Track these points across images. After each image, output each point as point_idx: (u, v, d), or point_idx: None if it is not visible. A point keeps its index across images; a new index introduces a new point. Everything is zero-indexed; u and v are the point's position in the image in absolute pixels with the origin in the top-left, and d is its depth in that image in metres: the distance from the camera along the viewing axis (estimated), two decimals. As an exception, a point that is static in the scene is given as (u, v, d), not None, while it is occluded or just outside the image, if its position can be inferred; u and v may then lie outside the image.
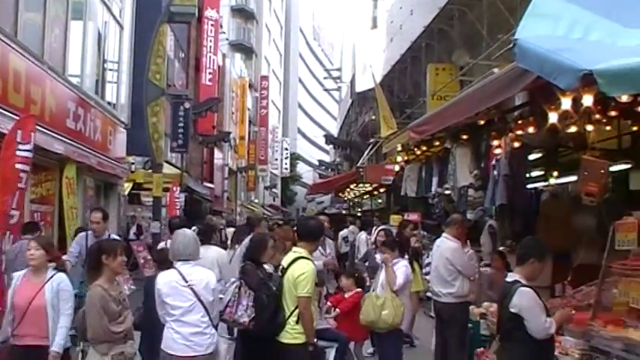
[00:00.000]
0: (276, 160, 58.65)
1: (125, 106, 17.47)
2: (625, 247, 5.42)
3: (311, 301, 5.54)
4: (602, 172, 6.86)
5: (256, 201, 49.96)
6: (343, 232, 17.52)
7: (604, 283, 5.65)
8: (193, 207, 24.52)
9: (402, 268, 7.53)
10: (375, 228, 13.09)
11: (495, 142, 8.52)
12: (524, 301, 4.71)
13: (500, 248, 9.04)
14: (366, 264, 10.01)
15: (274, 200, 60.75)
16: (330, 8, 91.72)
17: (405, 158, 12.14)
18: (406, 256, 8.00)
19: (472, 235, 10.09)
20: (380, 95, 19.85)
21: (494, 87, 6.27)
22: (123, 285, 5.56)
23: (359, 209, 32.89)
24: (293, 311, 5.51)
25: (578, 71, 3.67)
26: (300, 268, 5.52)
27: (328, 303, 8.29)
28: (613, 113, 6.67)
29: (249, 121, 47.01)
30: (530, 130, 7.32)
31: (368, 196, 28.19)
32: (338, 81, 60.11)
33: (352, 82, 40.58)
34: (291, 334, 5.51)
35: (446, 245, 7.95)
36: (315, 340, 5.65)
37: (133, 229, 19.70)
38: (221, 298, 5.70)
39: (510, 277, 5.00)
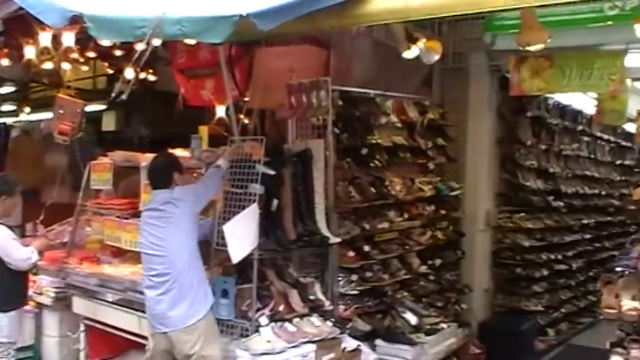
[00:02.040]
0: None
1: None
2: (100, 186, 5.64)
3: None
4: (77, 111, 6.89)
5: None
6: None
7: (78, 221, 5.81)
8: None
9: None
10: None
11: (-37, 71, 7.82)
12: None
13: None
14: None
15: None
16: None
17: None
18: None
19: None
20: None
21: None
22: None
23: None
24: None
25: (68, 12, 3.61)
26: None
27: None
28: (91, 54, 6.82)
29: None
30: (5, 62, 6.95)
31: None
32: None
33: None
34: None
35: None
36: None
37: None
38: None
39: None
